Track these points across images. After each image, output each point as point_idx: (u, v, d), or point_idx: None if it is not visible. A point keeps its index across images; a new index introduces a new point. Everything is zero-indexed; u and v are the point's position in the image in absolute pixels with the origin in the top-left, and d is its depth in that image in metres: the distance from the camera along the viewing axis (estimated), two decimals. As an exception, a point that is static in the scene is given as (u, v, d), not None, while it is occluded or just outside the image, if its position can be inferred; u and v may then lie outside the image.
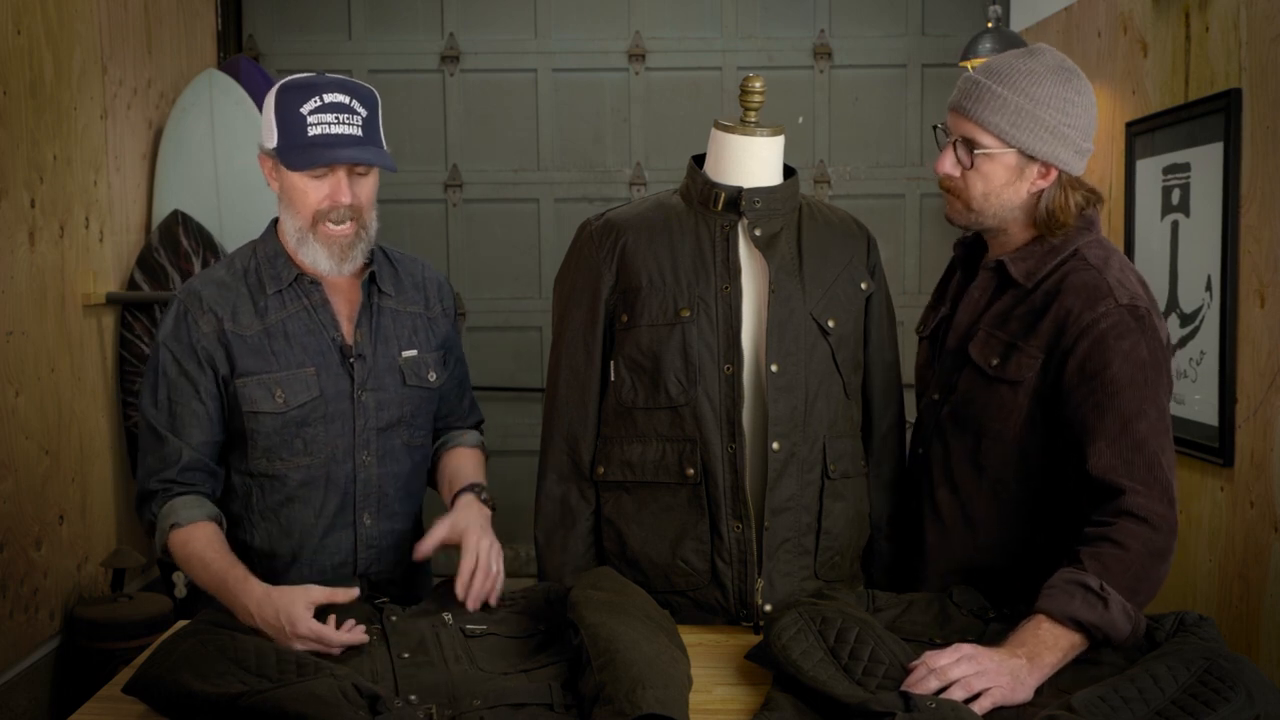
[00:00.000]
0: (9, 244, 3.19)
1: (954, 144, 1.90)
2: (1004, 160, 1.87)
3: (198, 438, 1.98)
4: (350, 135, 1.92)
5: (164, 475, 1.97)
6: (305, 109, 1.91)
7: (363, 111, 1.94)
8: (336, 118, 1.91)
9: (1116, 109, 3.67)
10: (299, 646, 1.75)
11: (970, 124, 1.87)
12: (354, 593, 1.83)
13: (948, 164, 1.91)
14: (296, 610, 1.76)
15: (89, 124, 3.65)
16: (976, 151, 1.87)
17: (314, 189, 1.95)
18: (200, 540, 1.93)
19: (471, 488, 2.05)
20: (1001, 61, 1.88)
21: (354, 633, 1.77)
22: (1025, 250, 1.91)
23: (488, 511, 2.02)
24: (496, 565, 1.91)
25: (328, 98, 1.92)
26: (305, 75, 1.98)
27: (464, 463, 2.15)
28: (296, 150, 1.92)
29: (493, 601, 1.90)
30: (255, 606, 1.80)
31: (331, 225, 1.97)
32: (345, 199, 1.95)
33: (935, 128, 1.97)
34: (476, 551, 1.91)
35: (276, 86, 1.96)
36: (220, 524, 1.97)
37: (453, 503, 2.04)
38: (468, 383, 2.27)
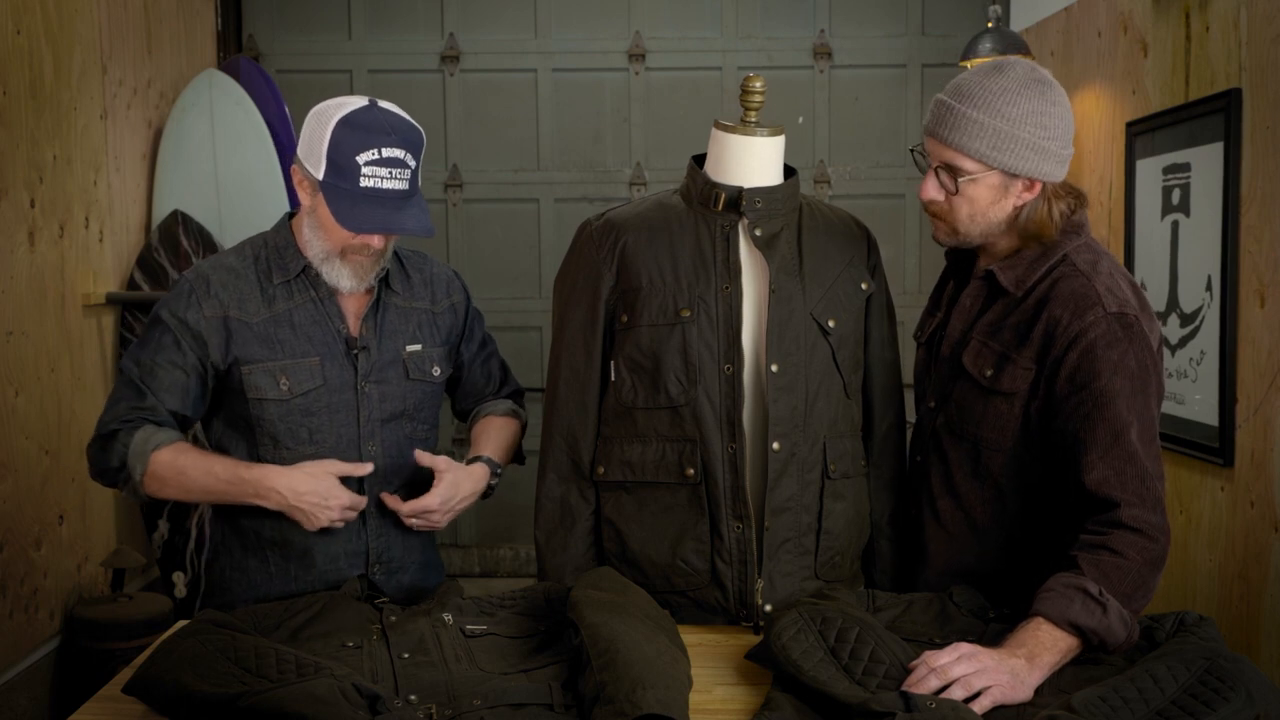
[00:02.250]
0: (9, 244, 3.19)
1: (935, 170, 1.88)
2: (988, 181, 1.85)
3: (172, 404, 2.01)
4: (399, 191, 1.94)
5: (130, 417, 1.99)
6: (361, 158, 1.91)
7: (412, 164, 1.96)
8: (390, 172, 1.93)
9: (1116, 109, 3.67)
10: (333, 518, 1.96)
11: (949, 150, 1.85)
12: (369, 467, 2.02)
13: (931, 189, 1.89)
14: (334, 484, 1.97)
15: (89, 124, 3.65)
16: (961, 178, 1.85)
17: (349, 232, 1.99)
18: (193, 451, 2.01)
19: (486, 461, 2.15)
20: (971, 82, 1.85)
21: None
22: (1015, 258, 1.91)
23: (481, 485, 2.12)
24: (437, 516, 2.05)
25: (385, 152, 1.92)
26: (362, 108, 1.94)
27: (484, 429, 2.25)
28: (345, 200, 1.92)
29: (405, 509, 2.04)
30: (288, 486, 1.95)
31: (359, 256, 2.02)
32: (378, 245, 2.01)
33: (913, 150, 1.96)
34: (434, 497, 2.03)
35: (336, 120, 1.92)
36: None
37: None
38: (496, 362, 2.32)
